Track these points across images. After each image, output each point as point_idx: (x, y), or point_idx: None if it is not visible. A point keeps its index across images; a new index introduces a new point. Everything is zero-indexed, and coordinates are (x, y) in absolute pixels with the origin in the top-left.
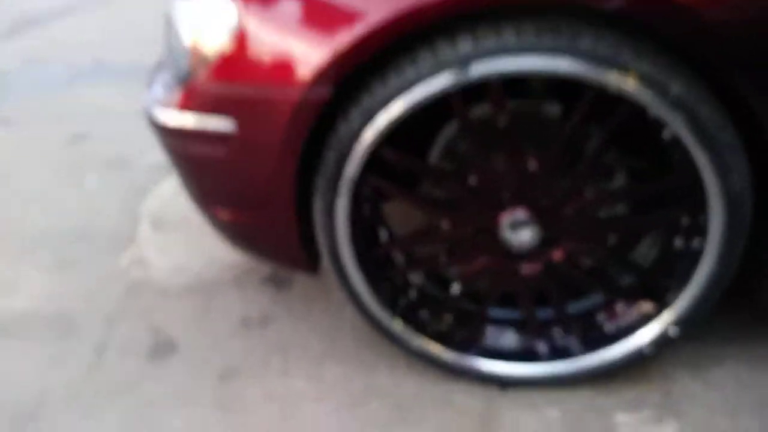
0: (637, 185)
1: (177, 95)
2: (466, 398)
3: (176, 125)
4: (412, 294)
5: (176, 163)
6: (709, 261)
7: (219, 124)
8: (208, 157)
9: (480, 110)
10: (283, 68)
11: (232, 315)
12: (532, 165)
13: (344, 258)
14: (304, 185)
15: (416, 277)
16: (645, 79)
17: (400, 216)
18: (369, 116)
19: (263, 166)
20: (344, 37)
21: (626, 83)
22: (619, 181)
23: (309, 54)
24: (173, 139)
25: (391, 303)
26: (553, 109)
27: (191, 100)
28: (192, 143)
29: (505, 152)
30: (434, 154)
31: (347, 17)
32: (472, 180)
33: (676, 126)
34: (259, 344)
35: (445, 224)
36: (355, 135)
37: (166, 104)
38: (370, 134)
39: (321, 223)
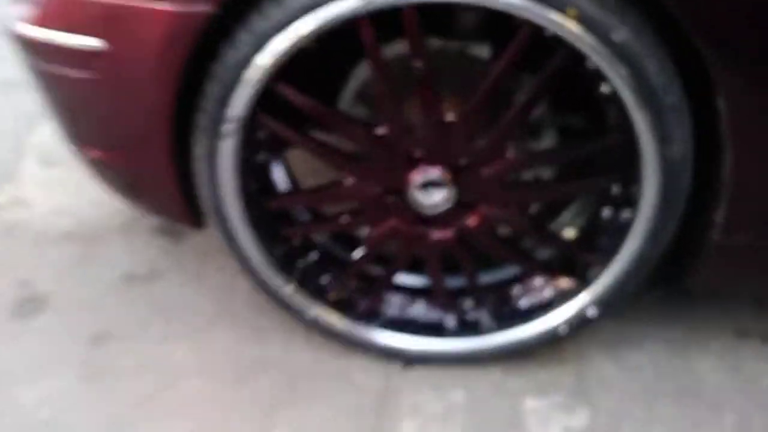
0: (566, 146)
1: (40, 4)
2: (364, 375)
3: (37, 39)
4: (312, 256)
5: (40, 86)
6: (637, 236)
7: (85, 40)
8: (74, 80)
9: (396, 48)
10: None
11: (115, 268)
12: (451, 116)
13: (230, 213)
14: (186, 125)
15: (319, 237)
16: (588, 21)
17: (309, 165)
18: (260, 42)
19: (135, 95)
20: None
21: (566, 24)
22: (547, 141)
23: None
24: (35, 56)
25: (286, 266)
26: (481, 52)
27: (55, 11)
28: (55, 62)
29: (421, 99)
30: (346, 97)
31: None
32: (382, 130)
33: (617, 80)
34: (141, 304)
35: (349, 179)
36: (244, 64)
37: (28, 14)
38: (261, 64)
39: (201, 171)
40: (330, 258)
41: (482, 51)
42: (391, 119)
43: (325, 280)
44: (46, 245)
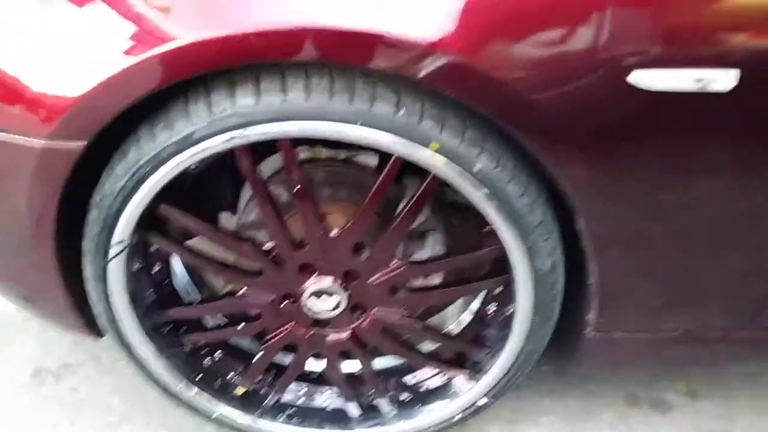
0: (446, 257)
1: None
2: None
3: None
4: (218, 354)
5: None
6: (517, 334)
7: None
8: None
9: (277, 161)
10: (21, 113)
11: (25, 365)
12: (336, 230)
13: (125, 329)
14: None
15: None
16: (449, 153)
17: None
18: (138, 173)
19: (14, 227)
20: (91, 80)
21: (427, 155)
22: (435, 245)
23: (49, 98)
24: None
25: (189, 368)
26: (368, 160)
27: None
28: None
29: (303, 217)
30: (241, 210)
31: (94, 58)
32: (270, 245)
33: (482, 204)
34: (49, 403)
35: (243, 290)
36: (124, 193)
37: None
38: (142, 192)
39: (93, 291)
40: (236, 352)
41: (369, 159)
42: (277, 235)
43: (230, 375)
44: None
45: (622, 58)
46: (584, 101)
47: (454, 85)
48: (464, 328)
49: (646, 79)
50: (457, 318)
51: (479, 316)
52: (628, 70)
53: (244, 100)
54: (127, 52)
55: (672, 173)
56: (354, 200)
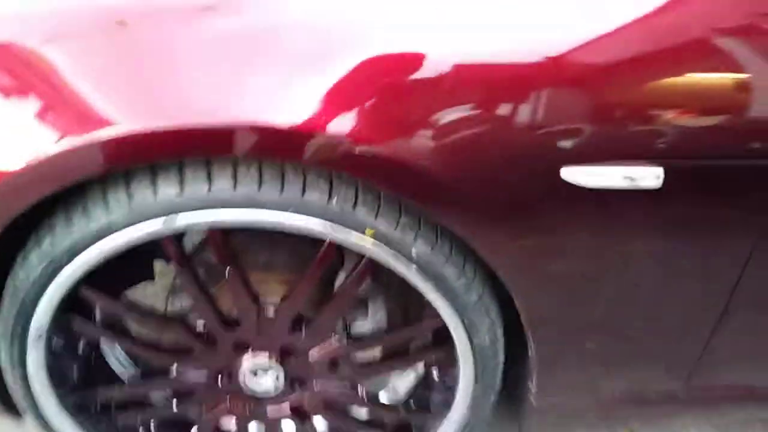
0: (387, 332)
1: None
2: None
3: None
4: (152, 425)
5: None
6: (460, 404)
7: None
8: None
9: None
10: None
11: None
12: (271, 309)
13: (47, 412)
14: None
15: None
16: (384, 238)
17: None
18: (53, 263)
19: None
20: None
21: (363, 241)
22: (378, 316)
23: None
24: None
25: None
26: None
27: None
28: None
29: (234, 298)
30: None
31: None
32: (201, 325)
33: (420, 284)
34: None
35: (176, 369)
36: (40, 282)
37: None
38: (59, 280)
39: (10, 377)
40: (172, 420)
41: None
42: (207, 315)
43: None
44: None
45: (539, 148)
46: (505, 189)
47: (377, 174)
48: (409, 391)
49: (572, 174)
50: (401, 380)
51: (423, 380)
52: (556, 164)
53: (167, 189)
54: (45, 144)
55: (602, 251)
56: (291, 268)
